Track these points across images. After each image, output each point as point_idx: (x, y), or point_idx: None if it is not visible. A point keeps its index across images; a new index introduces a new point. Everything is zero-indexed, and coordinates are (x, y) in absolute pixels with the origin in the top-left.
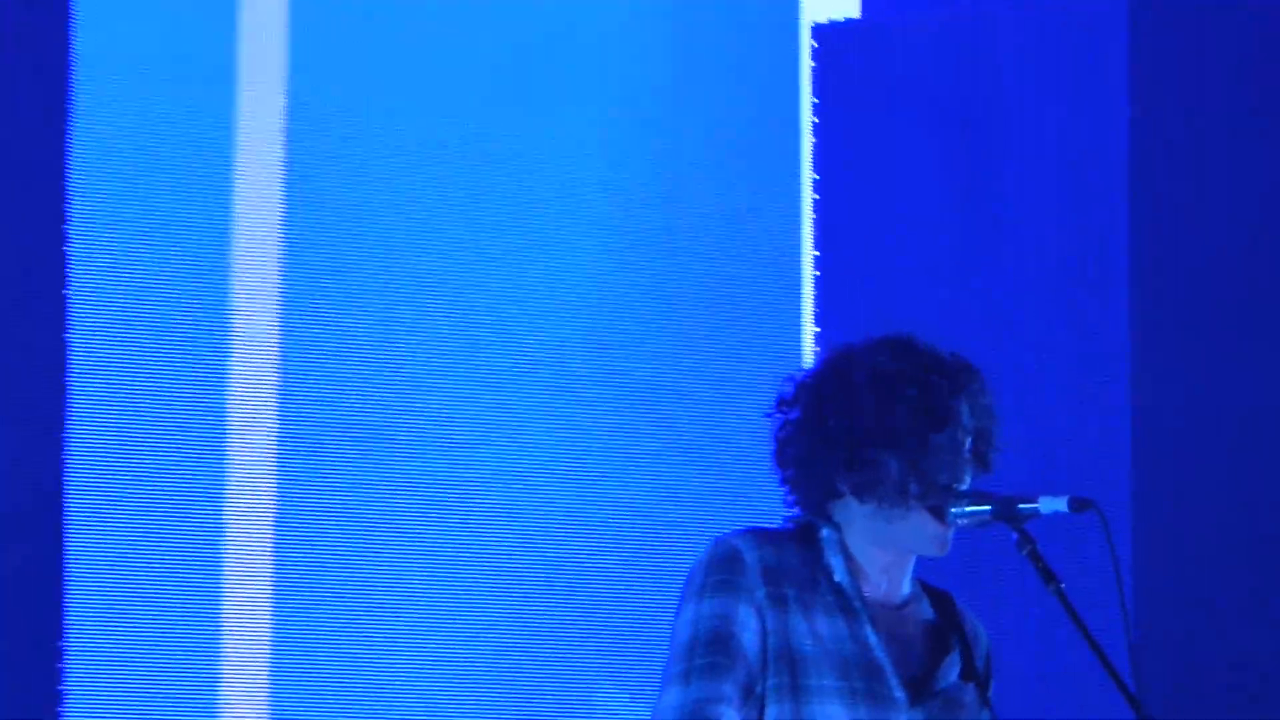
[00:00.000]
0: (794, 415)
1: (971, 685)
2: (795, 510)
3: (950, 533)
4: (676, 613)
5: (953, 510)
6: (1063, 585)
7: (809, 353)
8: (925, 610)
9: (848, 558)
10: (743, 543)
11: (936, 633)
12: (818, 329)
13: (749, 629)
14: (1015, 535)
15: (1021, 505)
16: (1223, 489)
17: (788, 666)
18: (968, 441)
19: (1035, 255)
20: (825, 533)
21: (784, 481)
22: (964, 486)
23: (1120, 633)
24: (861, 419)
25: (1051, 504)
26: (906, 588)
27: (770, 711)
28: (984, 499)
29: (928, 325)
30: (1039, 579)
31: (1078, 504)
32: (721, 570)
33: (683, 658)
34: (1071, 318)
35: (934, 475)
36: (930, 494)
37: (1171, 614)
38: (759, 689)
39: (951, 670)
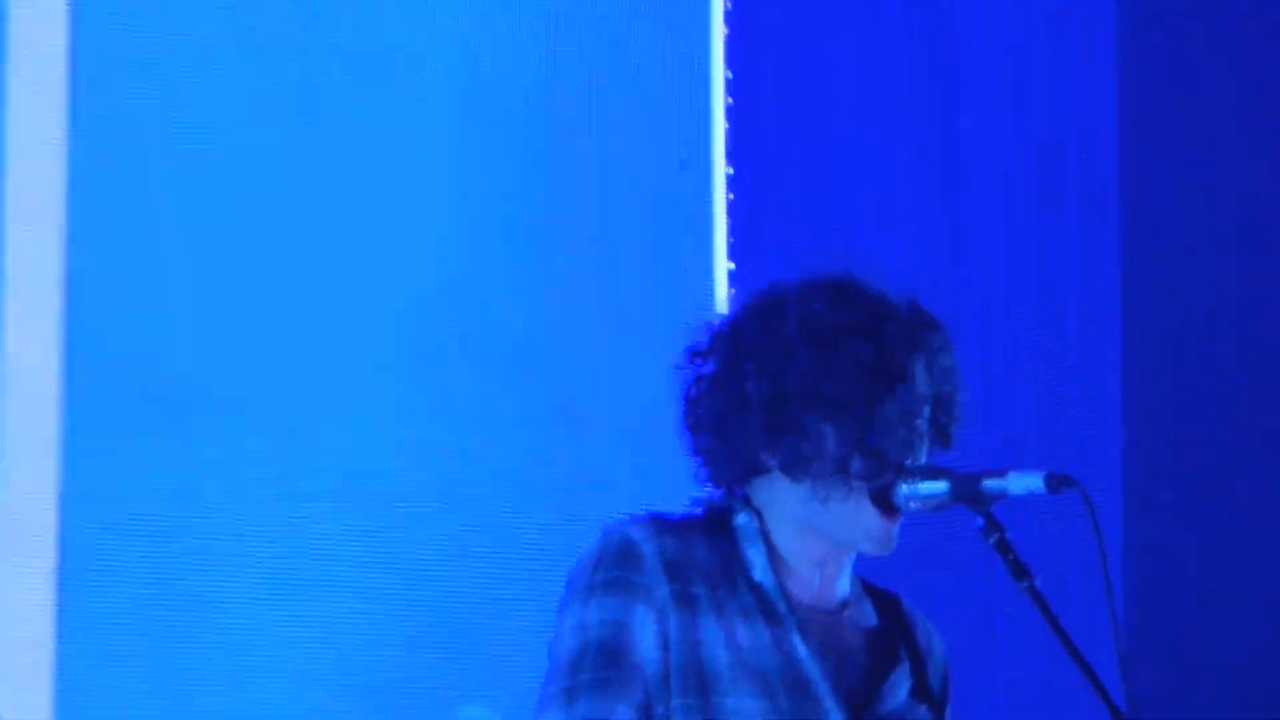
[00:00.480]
0: (708, 369)
1: (924, 707)
2: (708, 488)
3: (896, 527)
4: (558, 618)
5: (903, 491)
6: (1037, 581)
7: (722, 297)
8: (868, 615)
9: (770, 550)
10: (639, 531)
11: (881, 642)
12: (732, 264)
13: (647, 637)
14: (980, 520)
15: (987, 483)
16: (1228, 465)
17: (696, 683)
18: (924, 410)
19: (1006, 184)
20: (741, 520)
21: (694, 451)
22: (916, 463)
23: (1107, 639)
24: (792, 379)
25: (1024, 482)
26: (844, 587)
27: None
28: (940, 475)
29: (875, 267)
30: (1008, 574)
31: (1056, 481)
32: (613, 565)
33: (565, 673)
34: (1050, 259)
35: (882, 450)
36: (877, 473)
37: (1168, 614)
38: (660, 710)
39: (900, 687)
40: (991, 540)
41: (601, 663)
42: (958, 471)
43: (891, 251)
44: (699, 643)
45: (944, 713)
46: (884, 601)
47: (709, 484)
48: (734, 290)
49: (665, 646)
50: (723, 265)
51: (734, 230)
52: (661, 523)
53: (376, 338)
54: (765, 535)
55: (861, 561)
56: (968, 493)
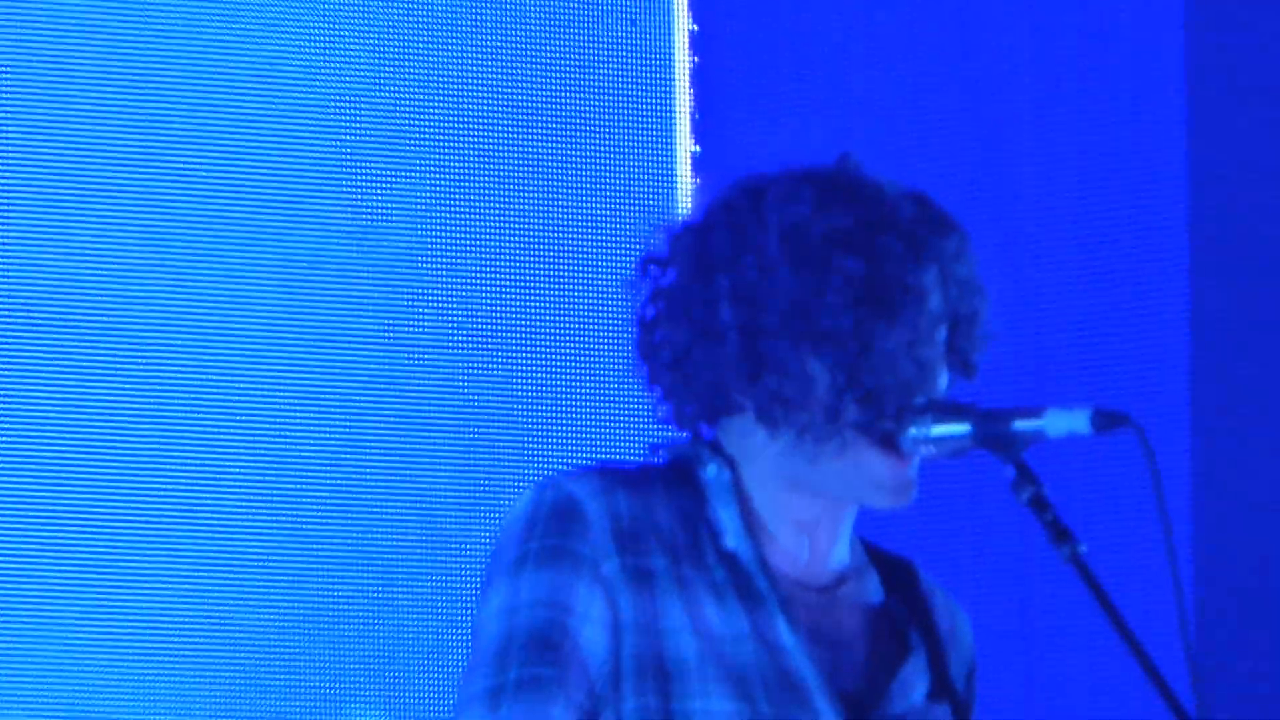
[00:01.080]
0: (667, 284)
1: (945, 708)
2: (668, 429)
3: (913, 470)
4: (481, 597)
5: (912, 433)
6: (1082, 548)
7: (684, 191)
8: (872, 590)
9: (746, 511)
10: (583, 487)
11: (889, 625)
12: (696, 148)
13: (592, 622)
14: (1011, 470)
15: (1019, 424)
16: None
17: (655, 680)
18: (938, 335)
19: (1047, 79)
20: (710, 472)
21: (651, 384)
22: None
23: (1171, 622)
24: (771, 304)
25: (1065, 421)
26: (841, 556)
27: None
28: (960, 413)
29: (888, 157)
30: (1047, 538)
31: (1105, 420)
32: (551, 530)
33: (491, 667)
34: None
35: (884, 390)
36: (878, 418)
37: (1248, 589)
38: (609, 714)
39: (914, 684)
40: (1025, 497)
41: (534, 655)
42: (982, 409)
43: (913, 130)
44: (658, 630)
45: (969, 717)
46: (894, 571)
47: (670, 423)
48: (696, 181)
49: (615, 634)
50: (684, 147)
51: (698, 102)
52: (611, 476)
53: (209, 272)
54: (739, 491)
55: (864, 519)
56: (995, 435)
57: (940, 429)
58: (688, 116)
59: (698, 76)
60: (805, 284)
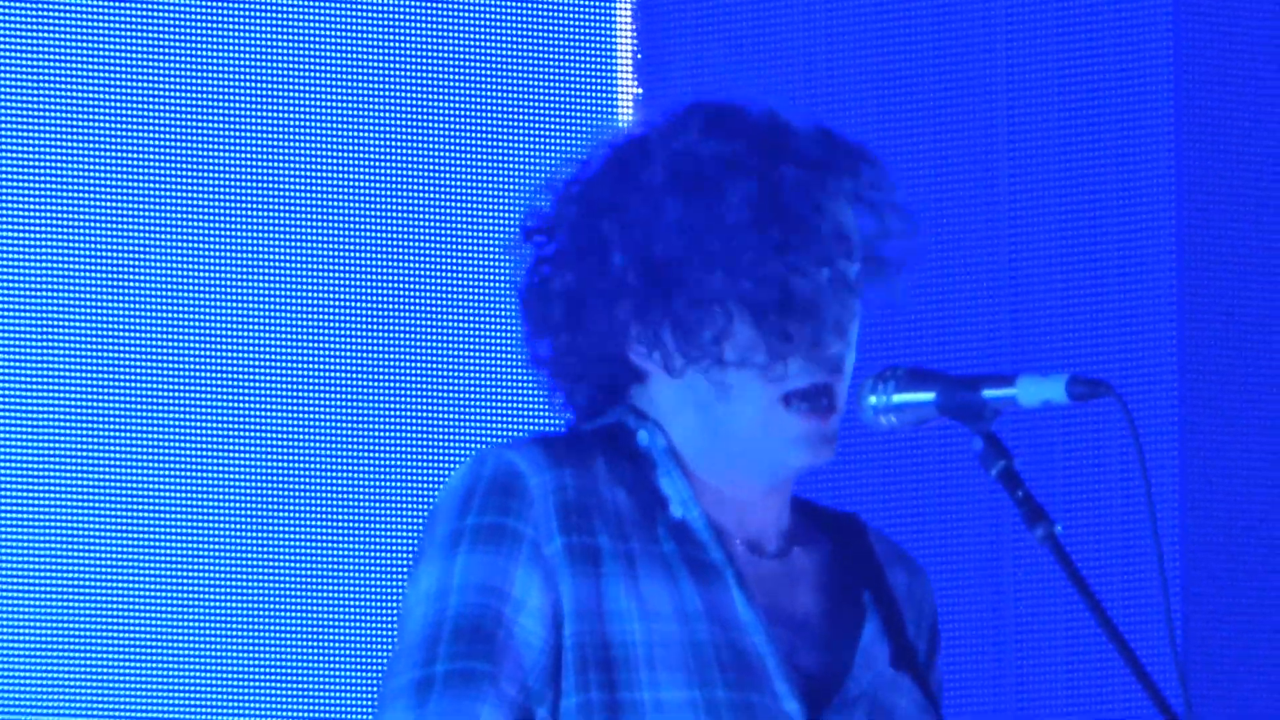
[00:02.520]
0: (556, 251)
1: (906, 677)
2: (566, 414)
3: (829, 424)
4: (412, 575)
5: (872, 401)
6: (1059, 529)
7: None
8: (823, 552)
9: (688, 476)
10: (526, 459)
11: (843, 591)
12: (639, 90)
13: (530, 610)
14: (980, 442)
15: (989, 392)
16: None
17: (601, 673)
18: (852, 271)
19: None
20: (644, 438)
21: (537, 362)
22: (844, 342)
23: (1156, 609)
24: (663, 234)
25: (1039, 389)
26: (784, 517)
27: None
28: (925, 380)
29: (840, 110)
30: (1020, 517)
31: (1083, 388)
32: (490, 506)
33: (417, 657)
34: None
35: (792, 327)
36: (785, 362)
37: (1237, 571)
38: (544, 711)
39: (876, 652)
40: (994, 471)
41: (465, 646)
42: (949, 376)
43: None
44: (603, 614)
45: (929, 684)
46: (840, 529)
47: (565, 408)
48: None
49: (555, 624)
50: (625, 88)
51: (640, 37)
52: (554, 446)
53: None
54: (678, 457)
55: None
56: (962, 404)
57: (903, 396)
58: (629, 58)
59: (640, 15)
60: (696, 210)
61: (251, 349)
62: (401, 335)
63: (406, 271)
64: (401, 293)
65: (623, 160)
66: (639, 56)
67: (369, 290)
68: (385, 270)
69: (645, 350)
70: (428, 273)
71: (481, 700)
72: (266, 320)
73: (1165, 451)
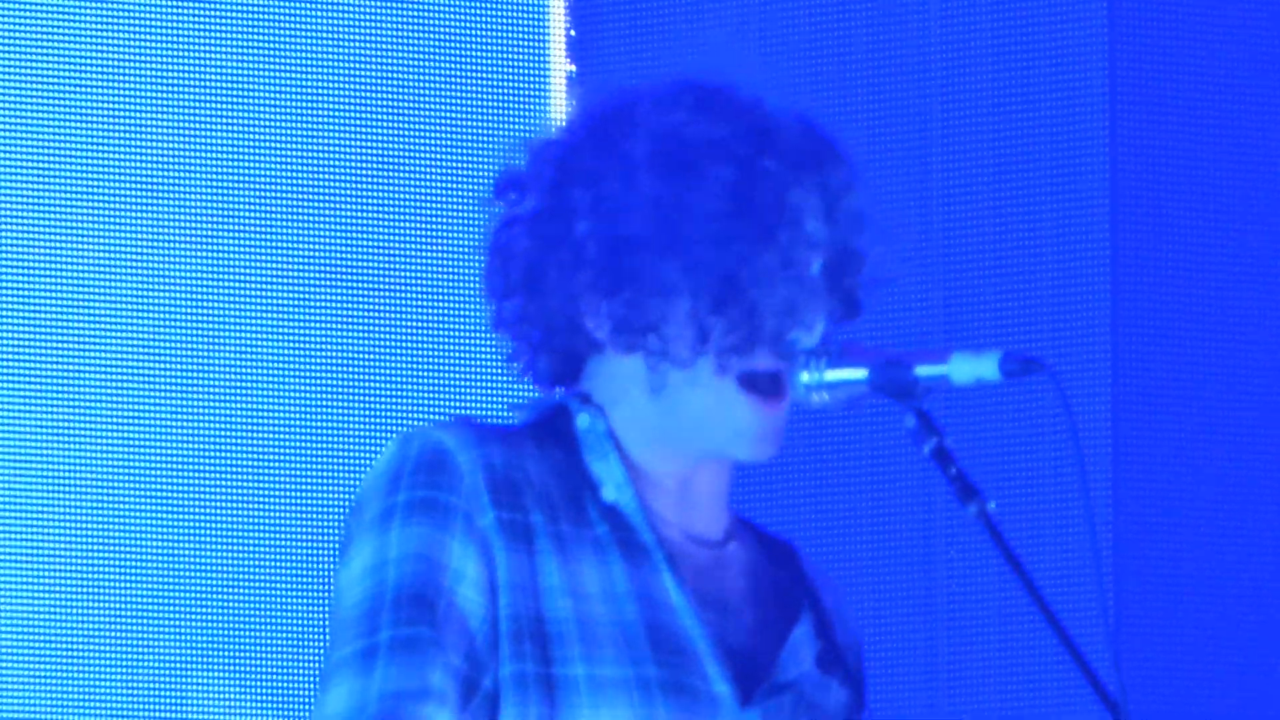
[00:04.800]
0: (527, 212)
1: (835, 681)
2: (528, 386)
3: (778, 417)
4: (341, 560)
5: (804, 379)
6: (992, 506)
7: (559, 113)
8: (757, 556)
9: (624, 460)
10: (453, 437)
11: (775, 592)
12: (573, 67)
13: (468, 579)
14: (913, 419)
15: (922, 369)
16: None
17: (534, 642)
18: (815, 264)
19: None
20: (584, 422)
21: (501, 324)
22: (810, 337)
23: (1090, 589)
24: (633, 210)
25: (972, 366)
26: (723, 514)
27: (508, 717)
28: (857, 357)
29: (779, 82)
30: (952, 494)
31: (1016, 365)
32: (419, 482)
33: (360, 628)
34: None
35: (754, 313)
36: (746, 345)
37: (1168, 552)
38: (488, 681)
39: (804, 650)
40: (927, 449)
41: (408, 614)
42: (881, 352)
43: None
44: (537, 589)
45: (863, 695)
46: (775, 550)
47: (525, 374)
48: (571, 105)
49: (491, 594)
50: (559, 65)
51: (573, 13)
52: (479, 427)
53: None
54: (615, 441)
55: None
56: (895, 381)
57: (835, 374)
58: (563, 35)
59: None
60: (671, 191)
61: (222, 346)
62: (375, 330)
63: (378, 262)
64: (374, 288)
65: (607, 129)
66: (572, 34)
67: (341, 285)
68: (357, 263)
69: (596, 323)
70: (401, 260)
71: (430, 665)
72: (236, 319)
73: (1098, 429)
